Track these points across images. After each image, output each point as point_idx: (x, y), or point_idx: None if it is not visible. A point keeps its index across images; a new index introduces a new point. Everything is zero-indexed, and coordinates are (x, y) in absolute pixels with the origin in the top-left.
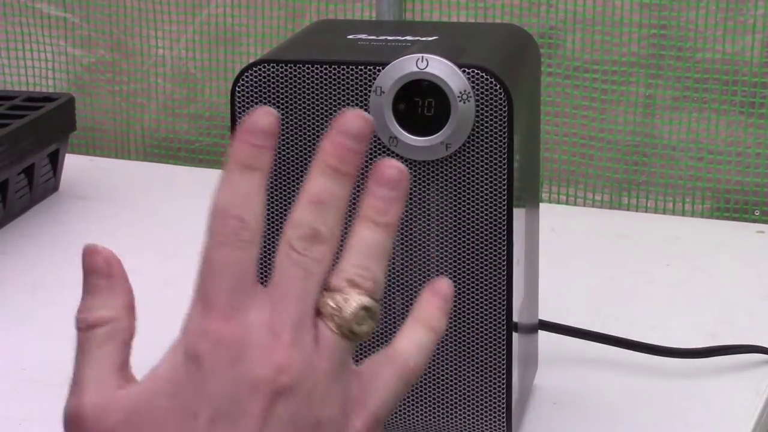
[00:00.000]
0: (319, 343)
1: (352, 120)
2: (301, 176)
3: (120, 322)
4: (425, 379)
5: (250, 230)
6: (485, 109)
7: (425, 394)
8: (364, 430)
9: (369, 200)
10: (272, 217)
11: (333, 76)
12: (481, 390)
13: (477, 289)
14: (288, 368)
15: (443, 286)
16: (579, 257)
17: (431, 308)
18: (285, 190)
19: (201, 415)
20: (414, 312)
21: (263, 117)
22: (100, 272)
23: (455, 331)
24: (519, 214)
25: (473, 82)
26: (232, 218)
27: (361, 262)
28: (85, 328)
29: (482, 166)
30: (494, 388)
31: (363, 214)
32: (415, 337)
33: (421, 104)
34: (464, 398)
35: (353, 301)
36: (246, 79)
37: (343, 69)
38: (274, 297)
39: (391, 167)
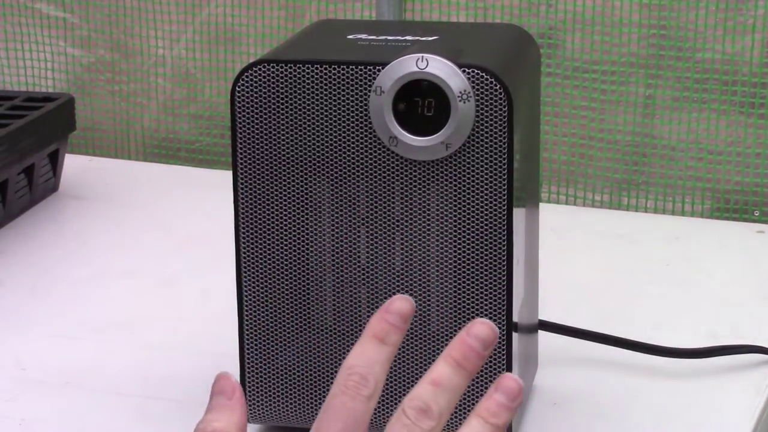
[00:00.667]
0: None
1: (481, 328)
2: (302, 175)
3: None
4: None
5: (369, 388)
6: (485, 109)
7: None
8: None
9: (486, 402)
10: (273, 217)
11: (333, 76)
12: (481, 390)
13: (477, 289)
14: None
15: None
16: (579, 257)
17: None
18: (285, 190)
19: None
20: (476, 407)
21: (402, 302)
22: (225, 393)
23: (455, 331)
24: (519, 214)
25: (473, 82)
26: (357, 374)
27: None
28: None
29: (482, 166)
30: None
31: (478, 411)
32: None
33: (421, 104)
34: (464, 398)
35: None
36: (246, 79)
37: (343, 69)
38: None
39: (512, 379)
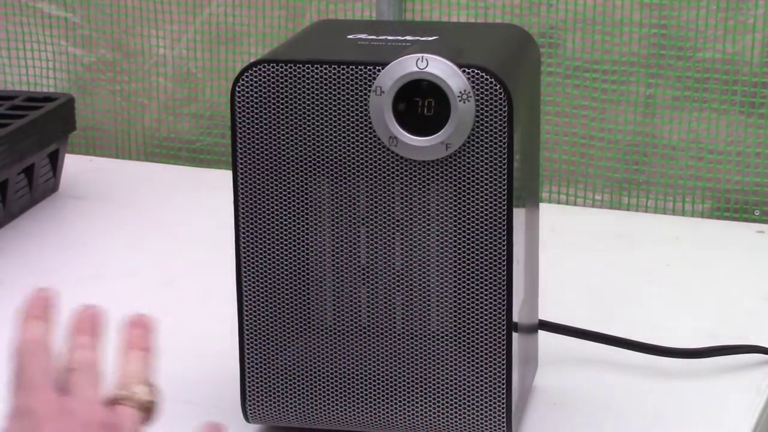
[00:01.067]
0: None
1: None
2: (302, 175)
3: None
4: (425, 379)
5: (50, 348)
6: (485, 109)
7: (425, 394)
8: None
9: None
10: (273, 217)
11: (333, 76)
12: (481, 390)
13: (477, 289)
14: (111, 415)
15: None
16: (579, 257)
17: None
18: (285, 190)
19: None
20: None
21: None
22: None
23: (455, 331)
24: (519, 214)
25: (473, 82)
26: (34, 342)
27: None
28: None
29: (482, 166)
30: (494, 388)
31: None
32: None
33: (421, 104)
34: (464, 398)
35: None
36: (246, 78)
37: (343, 69)
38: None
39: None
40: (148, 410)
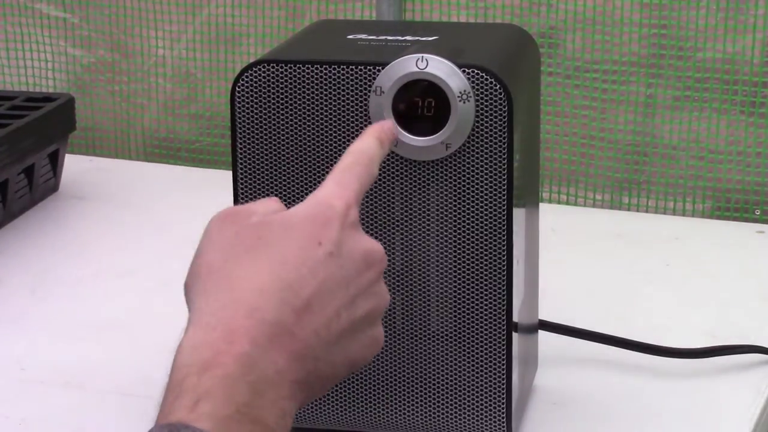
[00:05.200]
0: None
1: (389, 124)
2: (302, 175)
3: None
4: (425, 379)
5: (374, 168)
6: (485, 109)
7: (425, 394)
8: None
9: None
10: None
11: (333, 76)
12: (481, 390)
13: (477, 289)
14: (382, 254)
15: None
16: (579, 257)
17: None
18: (285, 190)
19: (324, 246)
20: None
21: (393, 125)
22: None
23: (455, 331)
24: (519, 214)
25: (473, 82)
26: (365, 155)
27: None
28: None
29: (482, 166)
30: (494, 388)
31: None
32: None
33: (421, 104)
34: (464, 398)
35: None
36: (246, 79)
37: (343, 69)
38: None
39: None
40: None
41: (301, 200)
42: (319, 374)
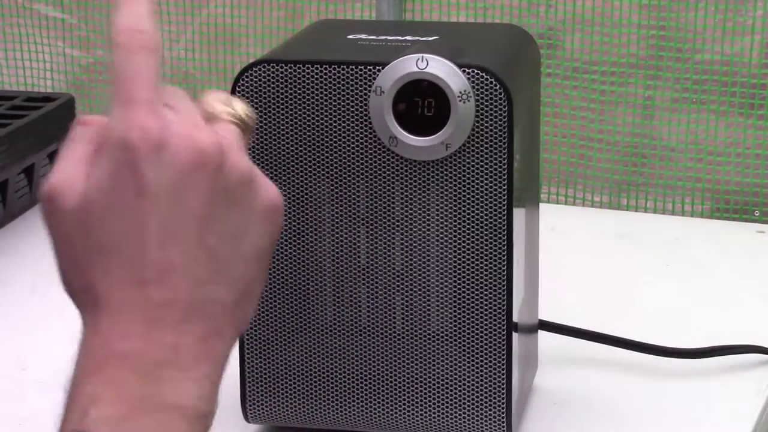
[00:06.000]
0: (222, 132)
1: None
2: (302, 175)
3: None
4: (425, 379)
5: (152, 40)
6: (485, 109)
7: (425, 394)
8: (275, 193)
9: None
10: None
11: (333, 76)
12: (481, 390)
13: (477, 289)
14: (216, 147)
15: None
16: (579, 257)
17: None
18: (285, 190)
19: (146, 195)
20: None
21: None
22: None
23: (455, 331)
24: (519, 214)
25: (473, 82)
26: (135, 31)
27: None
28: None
29: (482, 166)
30: (494, 388)
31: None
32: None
33: (421, 104)
34: (464, 398)
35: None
36: (246, 79)
37: (343, 69)
38: (174, 100)
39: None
40: (248, 129)
41: (301, 200)
42: (224, 302)
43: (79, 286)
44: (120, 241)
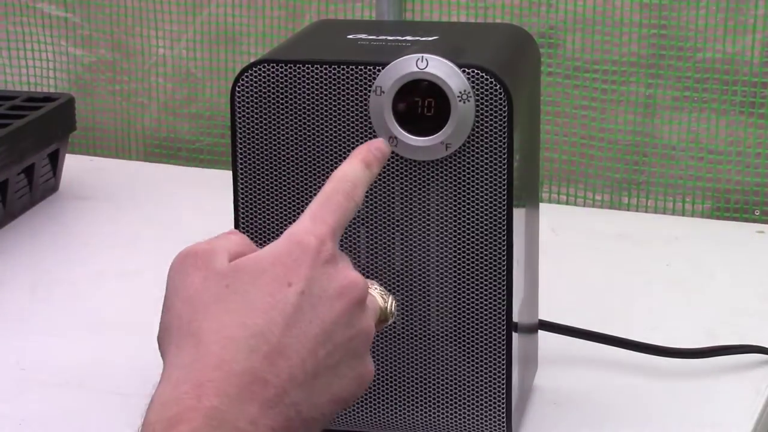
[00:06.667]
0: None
1: (380, 144)
2: (302, 175)
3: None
4: (425, 379)
5: (357, 195)
6: (485, 109)
7: (425, 394)
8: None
9: (365, 151)
10: (273, 217)
11: (333, 76)
12: (481, 390)
13: (477, 289)
14: (365, 290)
15: (381, 144)
16: (579, 257)
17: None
18: (285, 190)
19: (294, 286)
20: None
21: (383, 144)
22: None
23: (455, 331)
24: (519, 214)
25: (473, 82)
26: (348, 182)
27: None
28: None
29: (482, 166)
30: (494, 388)
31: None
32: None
33: (421, 104)
34: (464, 398)
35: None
36: (246, 78)
37: (343, 69)
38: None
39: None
40: (383, 321)
41: (301, 200)
42: (302, 417)
43: (183, 334)
44: (249, 307)
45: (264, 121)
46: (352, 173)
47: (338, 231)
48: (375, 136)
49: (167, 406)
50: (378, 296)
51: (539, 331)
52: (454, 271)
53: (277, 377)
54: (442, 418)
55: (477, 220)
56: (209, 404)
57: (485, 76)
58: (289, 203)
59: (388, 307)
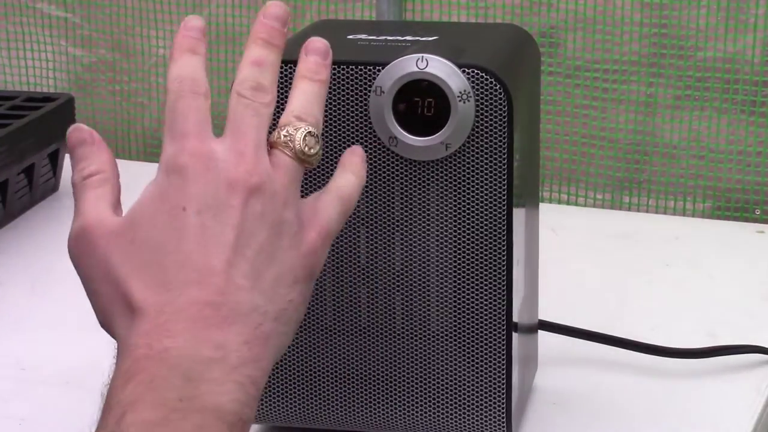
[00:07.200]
0: (276, 165)
1: (274, 9)
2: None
3: (109, 172)
4: (425, 379)
5: (204, 87)
6: (485, 109)
7: (425, 394)
8: (318, 239)
9: (303, 64)
10: None
11: (333, 76)
12: (481, 390)
13: (477, 289)
14: (255, 173)
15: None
16: (579, 257)
17: (355, 159)
18: None
19: (188, 209)
20: (342, 161)
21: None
22: (85, 142)
23: (455, 331)
24: (519, 214)
25: (473, 82)
26: (188, 79)
27: (303, 104)
28: (81, 178)
29: (482, 166)
30: (494, 388)
31: (301, 73)
32: (345, 177)
33: (421, 104)
34: (464, 398)
35: (302, 129)
36: None
37: (343, 69)
38: (233, 130)
39: (318, 41)
40: (304, 162)
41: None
42: (270, 316)
43: (117, 307)
44: (160, 249)
45: None
46: (187, 64)
47: (203, 133)
48: (375, 136)
49: (121, 363)
50: (282, 149)
51: (539, 331)
52: (454, 271)
53: (223, 294)
54: (442, 417)
55: (477, 220)
56: (161, 347)
57: (485, 76)
58: None
59: (298, 146)
